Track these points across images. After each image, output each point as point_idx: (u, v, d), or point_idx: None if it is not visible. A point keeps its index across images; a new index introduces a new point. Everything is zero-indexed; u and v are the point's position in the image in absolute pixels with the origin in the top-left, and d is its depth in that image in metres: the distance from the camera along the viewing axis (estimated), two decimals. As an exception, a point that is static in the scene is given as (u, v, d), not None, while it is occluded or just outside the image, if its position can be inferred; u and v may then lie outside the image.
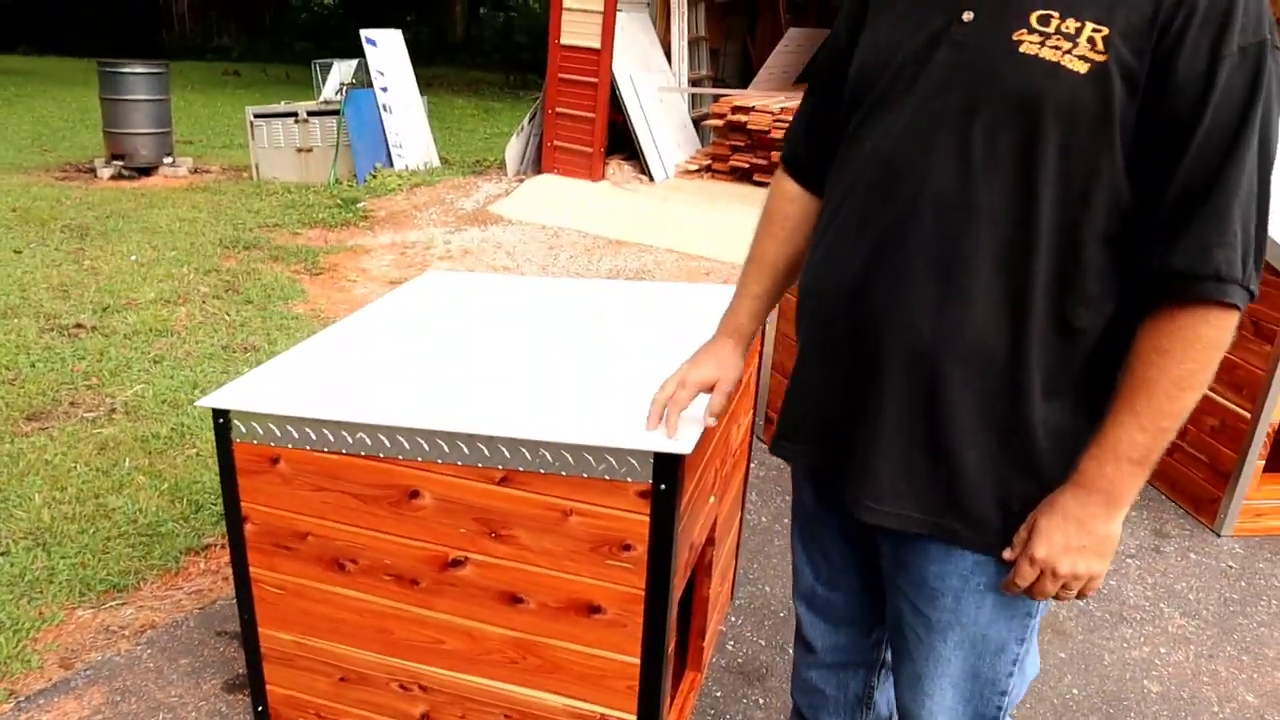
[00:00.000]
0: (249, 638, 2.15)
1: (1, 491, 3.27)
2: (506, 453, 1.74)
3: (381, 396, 1.90)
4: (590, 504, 1.73)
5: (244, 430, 1.94)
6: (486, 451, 1.76)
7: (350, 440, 1.85)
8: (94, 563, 2.91)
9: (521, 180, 7.96)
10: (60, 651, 2.56)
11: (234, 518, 2.03)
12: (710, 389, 1.62)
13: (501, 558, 1.84)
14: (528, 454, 1.73)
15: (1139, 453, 1.22)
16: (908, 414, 1.33)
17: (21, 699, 2.37)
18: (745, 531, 3.10)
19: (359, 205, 7.65)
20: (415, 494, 1.85)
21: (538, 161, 8.05)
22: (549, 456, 1.72)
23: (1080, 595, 1.30)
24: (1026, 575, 1.29)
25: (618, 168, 7.89)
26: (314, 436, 1.88)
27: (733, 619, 2.70)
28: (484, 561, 1.85)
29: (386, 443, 1.82)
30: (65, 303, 5.16)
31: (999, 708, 1.48)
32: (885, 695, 1.78)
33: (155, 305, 5.16)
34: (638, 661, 1.83)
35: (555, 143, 7.79)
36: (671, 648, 1.89)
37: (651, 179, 7.80)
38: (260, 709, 2.23)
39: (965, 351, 1.26)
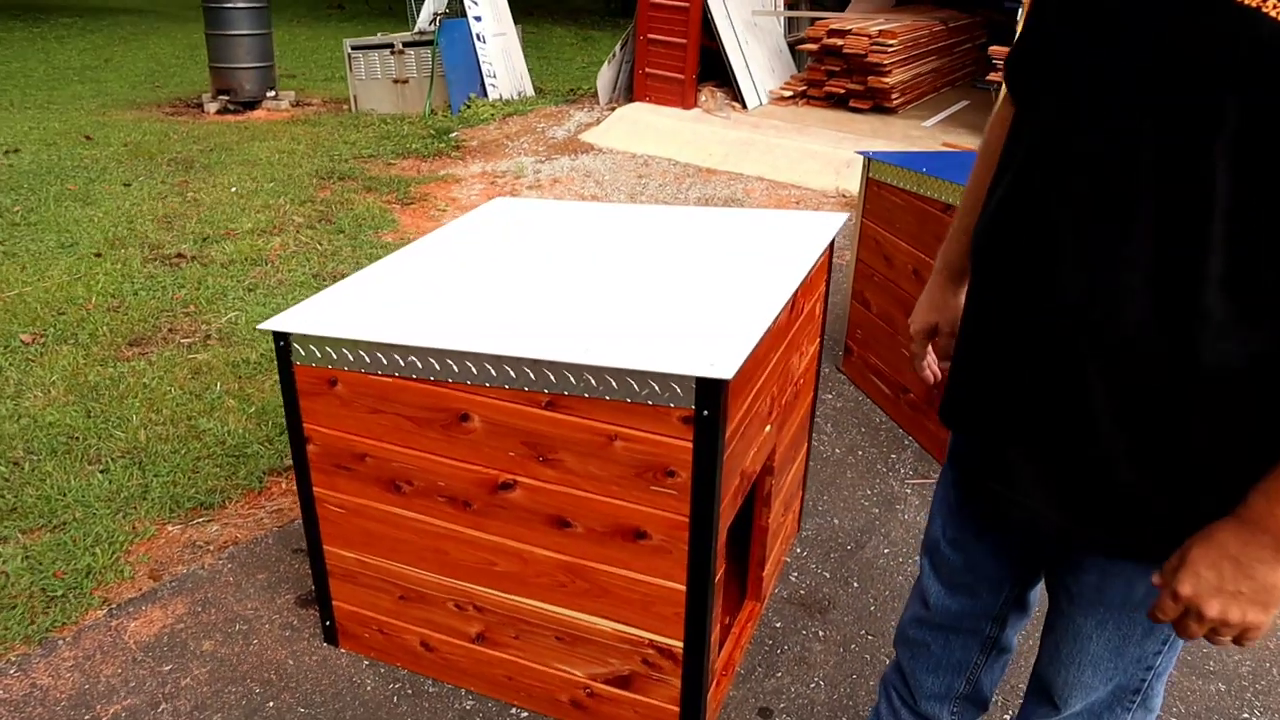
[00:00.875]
0: (315, 555, 2.22)
1: (104, 413, 3.43)
2: (552, 377, 1.73)
3: (433, 320, 1.91)
4: (634, 429, 1.71)
5: (303, 353, 1.97)
6: (533, 375, 1.75)
7: (402, 363, 1.87)
8: (184, 481, 3.04)
9: (613, 109, 7.88)
10: (150, 564, 2.69)
11: (297, 439, 2.08)
12: (933, 333, 1.58)
13: (549, 481, 1.84)
14: (572, 378, 1.72)
15: None
16: (1045, 405, 1.18)
17: (114, 606, 2.51)
18: (817, 463, 3.06)
19: (451, 135, 7.70)
20: (466, 417, 1.86)
21: (630, 89, 7.95)
22: (593, 381, 1.70)
23: (1237, 643, 1.11)
24: (1169, 610, 1.12)
25: (710, 95, 7.74)
26: (368, 359, 1.90)
27: (798, 550, 2.67)
28: (532, 485, 1.86)
29: (437, 366, 1.83)
30: (168, 233, 5.34)
31: (1143, 680, 1.36)
32: (990, 677, 1.67)
33: (252, 235, 5.30)
34: (683, 588, 1.82)
35: (647, 70, 7.67)
36: (720, 576, 1.88)
37: (744, 106, 7.63)
38: (328, 624, 2.31)
39: (1111, 345, 1.10)
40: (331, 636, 2.33)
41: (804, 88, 7.90)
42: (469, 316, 1.92)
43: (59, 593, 2.55)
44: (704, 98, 7.65)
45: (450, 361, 1.82)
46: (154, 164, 6.83)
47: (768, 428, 2.06)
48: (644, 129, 7.28)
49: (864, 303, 3.39)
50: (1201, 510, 1.12)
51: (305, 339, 1.95)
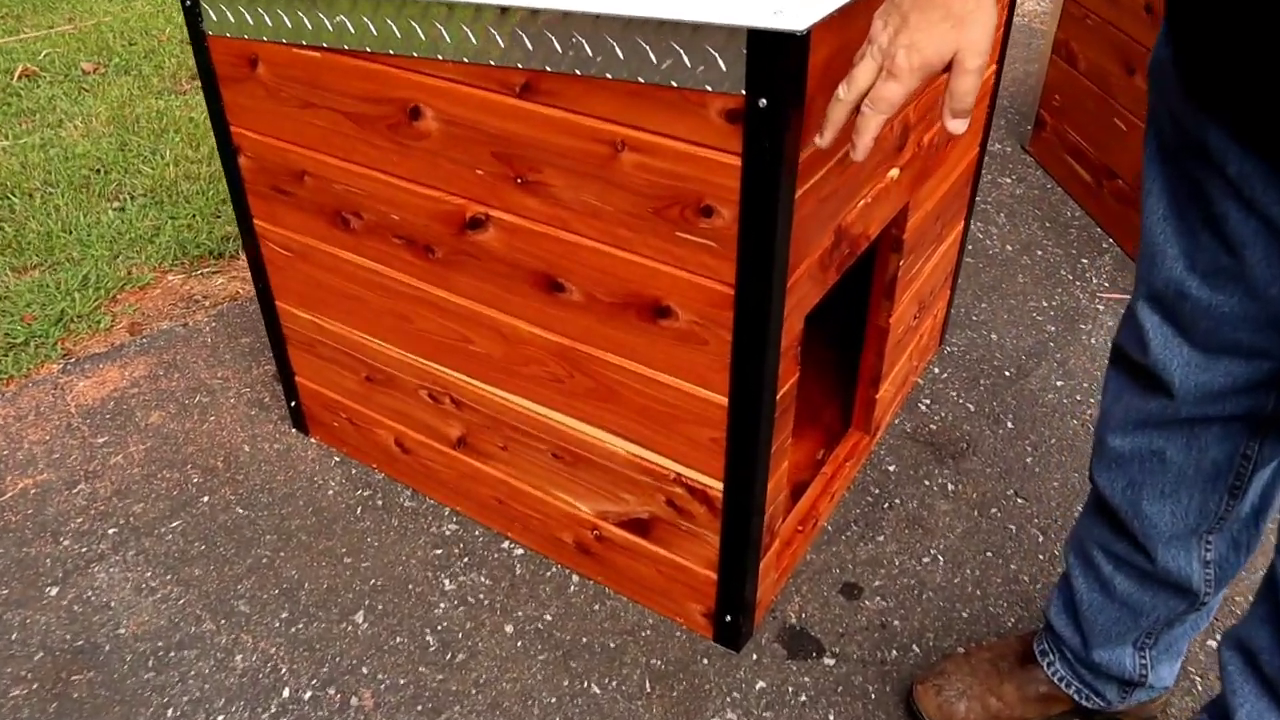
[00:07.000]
0: (268, 313, 1.67)
1: (139, 146, 2.97)
2: (527, 41, 1.05)
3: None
4: (649, 131, 1.03)
5: (214, 18, 1.35)
6: (500, 39, 1.07)
7: (329, 25, 1.22)
8: (201, 226, 2.55)
9: None
10: (135, 316, 2.23)
11: (226, 149, 1.49)
12: (947, 69, 0.83)
13: (531, 217, 1.19)
14: (557, 42, 1.03)
15: None
16: None
17: (72, 361, 2.06)
18: (977, 259, 2.29)
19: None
20: (416, 113, 1.21)
21: None
22: (587, 46, 1.01)
23: None
24: None
25: None
26: (289, 23, 1.26)
27: (935, 370, 1.96)
28: (509, 222, 1.22)
29: (372, 28, 1.18)
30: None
31: None
32: (1261, 481, 1.03)
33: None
34: (725, 401, 1.16)
35: None
36: (789, 388, 1.21)
37: None
38: (293, 404, 1.78)
39: None
40: (299, 421, 1.81)
41: None
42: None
43: (20, 339, 2.12)
44: None
45: (388, 20, 1.16)
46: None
47: (893, 172, 1.33)
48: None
49: (1069, 57, 2.50)
50: None
51: (214, -7, 1.33)
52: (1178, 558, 1.08)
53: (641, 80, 1.00)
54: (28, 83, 3.50)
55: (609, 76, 1.02)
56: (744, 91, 0.94)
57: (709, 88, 0.96)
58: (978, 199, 2.54)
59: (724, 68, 0.94)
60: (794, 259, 1.09)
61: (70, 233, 2.53)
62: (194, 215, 2.61)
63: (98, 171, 2.84)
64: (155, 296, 2.31)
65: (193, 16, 1.38)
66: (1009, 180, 2.62)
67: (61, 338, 2.15)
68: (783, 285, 1.07)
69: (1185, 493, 1.05)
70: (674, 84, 0.98)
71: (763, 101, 0.93)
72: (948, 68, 0.83)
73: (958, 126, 0.86)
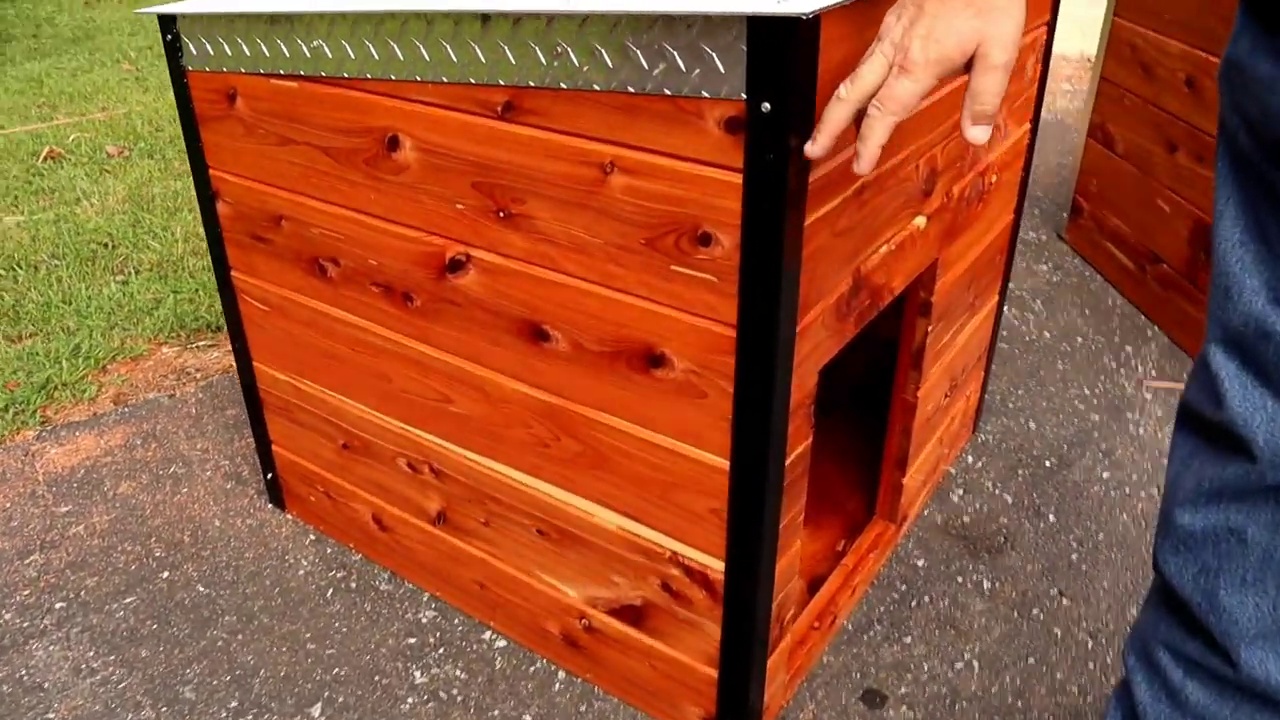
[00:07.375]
0: (245, 374, 1.55)
1: (150, 224, 2.93)
2: (509, 53, 0.95)
3: (361, -16, 1.16)
4: (641, 149, 0.91)
5: (194, 52, 1.28)
6: (480, 53, 0.97)
7: (307, 51, 1.13)
8: (202, 299, 2.47)
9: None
10: (122, 386, 2.12)
11: (204, 192, 1.40)
12: (968, 67, 0.75)
13: (515, 256, 1.07)
14: (539, 51, 0.93)
15: None
16: None
17: (49, 428, 1.95)
18: (1014, 345, 2.14)
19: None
20: (395, 143, 1.11)
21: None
22: (571, 54, 0.91)
23: None
24: None
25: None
26: (267, 51, 1.18)
27: (968, 459, 1.80)
28: (491, 263, 1.10)
29: (349, 50, 1.09)
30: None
31: None
32: None
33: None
34: (726, 464, 1.02)
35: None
36: (802, 451, 1.07)
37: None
38: (270, 476, 1.65)
39: None
40: (276, 495, 1.67)
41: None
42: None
43: (0, 406, 2.02)
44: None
45: (365, 41, 1.07)
46: None
47: (919, 220, 1.21)
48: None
49: (1105, 139, 2.40)
50: None
51: (194, 22, 1.25)
52: (1265, 661, 0.91)
53: (632, 90, 0.89)
54: (52, 164, 3.50)
55: (596, 88, 0.91)
56: (744, 96, 0.83)
57: (706, 94, 0.85)
58: (1012, 285, 2.41)
59: (722, 70, 0.83)
60: (806, 299, 0.95)
61: (69, 304, 2.46)
62: (197, 289, 2.53)
63: (105, 246, 2.79)
64: (147, 368, 2.21)
65: (173, 52, 1.30)
66: (1045, 267, 2.49)
67: (43, 405, 2.05)
68: (792, 326, 0.94)
69: (1272, 581, 0.88)
70: (667, 92, 0.87)
71: (766, 106, 0.82)
72: (968, 66, 0.73)
73: (978, 134, 0.75)
